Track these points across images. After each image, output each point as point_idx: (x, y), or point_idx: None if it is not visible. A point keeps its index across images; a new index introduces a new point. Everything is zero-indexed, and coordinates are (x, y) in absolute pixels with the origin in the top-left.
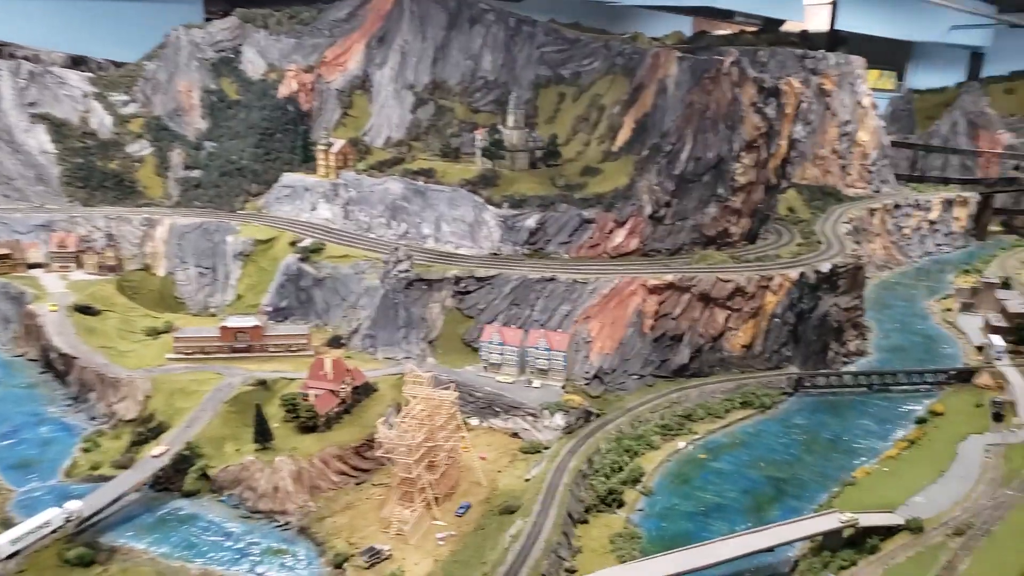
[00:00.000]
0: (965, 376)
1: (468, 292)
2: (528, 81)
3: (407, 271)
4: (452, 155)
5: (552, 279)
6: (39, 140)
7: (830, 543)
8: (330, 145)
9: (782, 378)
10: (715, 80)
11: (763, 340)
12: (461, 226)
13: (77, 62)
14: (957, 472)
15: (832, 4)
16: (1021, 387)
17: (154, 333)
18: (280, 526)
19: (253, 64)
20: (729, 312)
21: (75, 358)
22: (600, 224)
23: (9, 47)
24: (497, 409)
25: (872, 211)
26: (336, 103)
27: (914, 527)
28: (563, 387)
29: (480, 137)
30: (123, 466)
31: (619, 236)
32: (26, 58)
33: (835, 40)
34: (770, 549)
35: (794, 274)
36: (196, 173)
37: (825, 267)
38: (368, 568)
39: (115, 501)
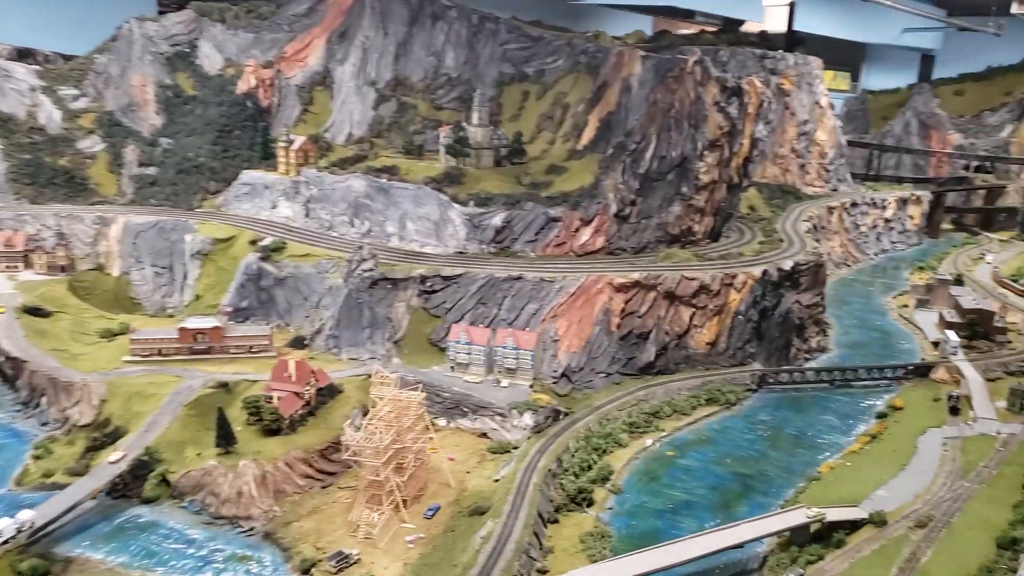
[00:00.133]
0: (922, 371)
1: (434, 291)
2: (491, 78)
3: (371, 270)
4: (416, 152)
5: (519, 278)
6: None
7: (797, 538)
8: (291, 142)
9: (746, 375)
10: (679, 79)
11: (727, 337)
12: (426, 224)
13: (23, 55)
14: (917, 465)
15: (790, 5)
16: (976, 381)
17: (109, 335)
18: (244, 532)
19: (210, 59)
20: (694, 310)
21: (24, 361)
22: (566, 222)
23: None
24: (465, 409)
25: (830, 209)
26: (296, 99)
27: (878, 521)
28: (531, 386)
29: (444, 134)
30: (78, 473)
31: (585, 234)
32: None
33: (793, 41)
34: (740, 546)
35: (757, 272)
36: (151, 170)
37: (787, 265)
38: (336, 573)
39: (70, 510)
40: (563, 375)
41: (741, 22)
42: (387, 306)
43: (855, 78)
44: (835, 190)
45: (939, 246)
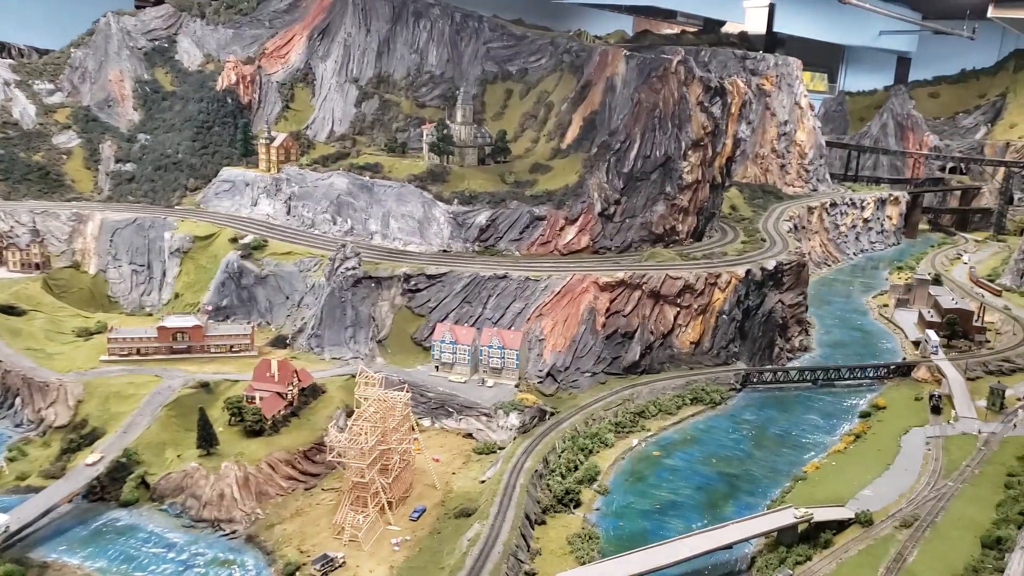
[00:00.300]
0: (904, 370)
1: (418, 290)
2: (475, 77)
3: (355, 268)
4: (399, 150)
5: (504, 276)
6: None
7: (785, 538)
8: (272, 139)
9: (730, 374)
10: (663, 79)
11: (711, 337)
12: (410, 222)
13: None
14: (901, 465)
15: (770, 7)
16: (956, 381)
17: (85, 334)
18: (226, 535)
19: (189, 54)
20: (679, 309)
21: None
22: (551, 221)
23: None
24: (450, 409)
25: (811, 209)
26: (277, 96)
27: (864, 520)
28: (517, 386)
29: (428, 132)
30: (53, 476)
31: (570, 233)
32: None
33: (773, 42)
34: (728, 547)
35: (741, 271)
36: (129, 166)
37: (770, 264)
38: None
39: (45, 513)
40: (549, 374)
41: (722, 23)
42: (370, 305)
43: (833, 79)
44: (815, 190)
45: (917, 246)
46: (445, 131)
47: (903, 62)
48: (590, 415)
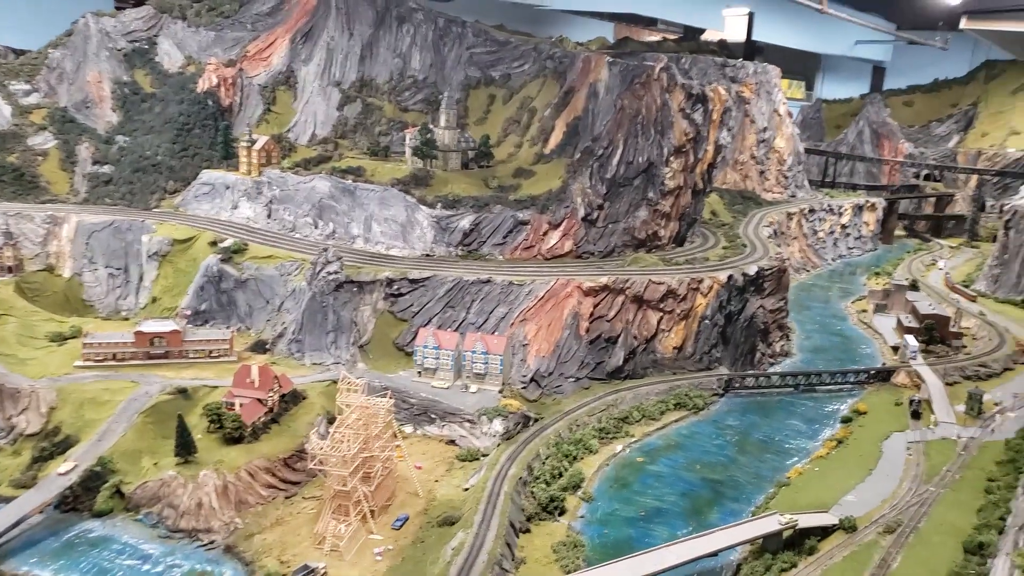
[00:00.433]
0: (884, 375)
1: (401, 294)
2: (458, 81)
3: (336, 272)
4: (381, 154)
5: (488, 281)
6: None
7: (770, 545)
8: (253, 142)
9: (713, 379)
10: (645, 85)
11: (694, 342)
12: (392, 226)
13: None
14: (883, 470)
15: (749, 15)
16: (935, 386)
17: (59, 339)
18: (204, 546)
19: (170, 56)
20: (662, 314)
21: None
22: (534, 226)
23: None
24: (432, 416)
25: (790, 215)
26: (259, 99)
27: (848, 526)
28: (500, 391)
29: (411, 136)
30: (24, 485)
31: (553, 238)
32: None
33: (752, 50)
34: (714, 554)
35: (723, 276)
36: (106, 168)
37: (752, 270)
38: None
39: (16, 524)
40: (532, 380)
41: (702, 30)
42: (352, 309)
43: (810, 87)
44: (793, 196)
45: (893, 252)
46: (428, 135)
47: (878, 71)
48: (574, 421)
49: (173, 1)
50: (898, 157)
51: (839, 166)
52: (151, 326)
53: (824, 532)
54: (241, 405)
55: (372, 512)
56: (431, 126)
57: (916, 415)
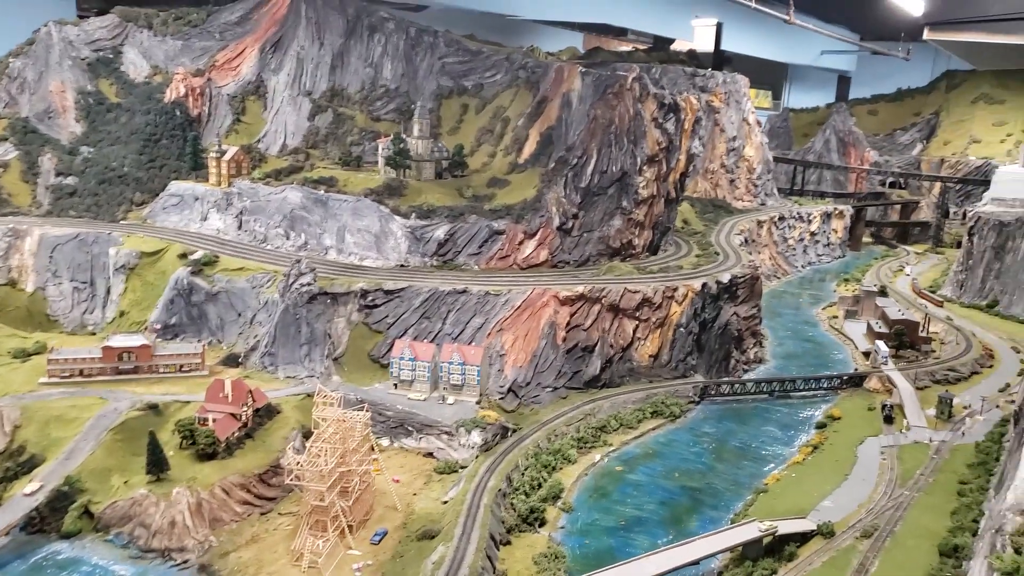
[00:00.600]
0: (856, 381)
1: (375, 305)
2: (430, 91)
3: (310, 284)
4: (354, 164)
5: (464, 291)
6: None
7: (751, 552)
8: (222, 152)
9: (688, 387)
10: (618, 95)
11: (669, 349)
12: (366, 237)
13: None
14: (858, 475)
15: (717, 26)
16: (907, 391)
17: (23, 355)
18: (177, 565)
19: (135, 66)
20: (637, 322)
21: None
22: (510, 235)
23: None
24: (409, 428)
25: (760, 223)
26: (228, 109)
27: (826, 532)
28: (478, 402)
29: (384, 146)
30: None
31: (529, 247)
32: None
33: (720, 60)
34: (695, 562)
35: (697, 284)
36: (70, 180)
37: (725, 277)
38: None
39: None
40: (510, 390)
41: (671, 41)
42: (326, 322)
43: (777, 96)
44: (763, 204)
45: (861, 258)
46: (402, 145)
47: (843, 81)
48: (552, 431)
49: (138, 10)
50: (864, 165)
51: (807, 174)
52: (119, 341)
53: (803, 538)
54: (214, 420)
55: (350, 527)
56: (404, 136)
57: (889, 420)
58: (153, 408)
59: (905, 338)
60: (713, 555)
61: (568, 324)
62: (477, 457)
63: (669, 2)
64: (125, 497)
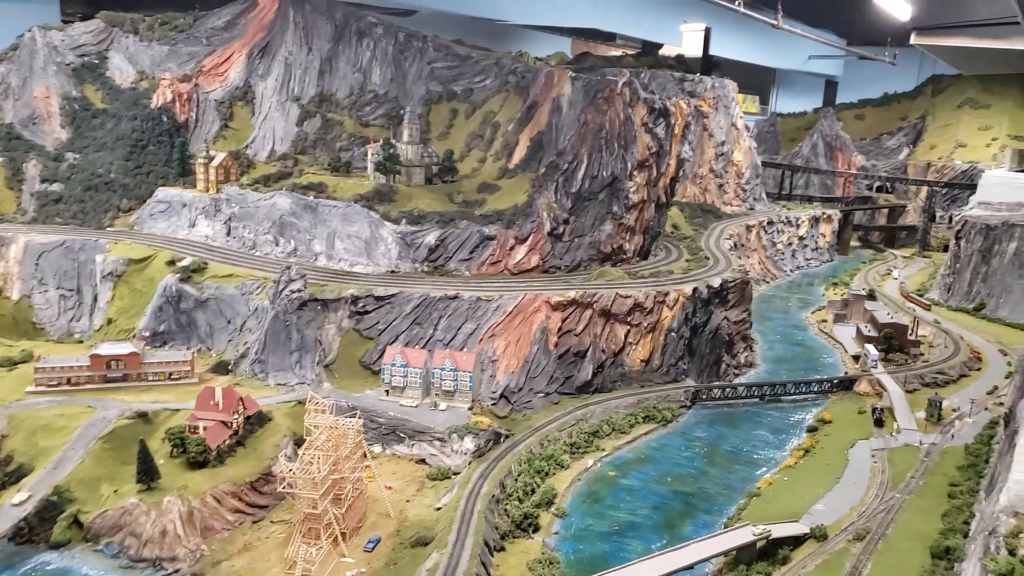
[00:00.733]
0: (847, 384)
1: (367, 312)
2: (419, 96)
3: (300, 291)
4: (343, 170)
5: (456, 297)
6: None
7: (744, 556)
8: (211, 158)
9: (680, 391)
10: (609, 100)
11: (661, 354)
12: (356, 243)
13: None
14: (850, 478)
15: (706, 31)
16: (896, 394)
17: (9, 364)
18: (169, 575)
19: (121, 71)
20: (629, 327)
21: None
22: (501, 241)
23: None
24: (402, 435)
25: (749, 228)
26: (215, 114)
27: (819, 535)
28: (470, 408)
29: (373, 151)
30: None
31: (520, 253)
32: None
33: (709, 65)
34: (690, 567)
35: (688, 289)
36: (56, 187)
37: (716, 282)
38: None
39: None
40: (502, 396)
41: (659, 45)
42: (316, 328)
43: (764, 101)
44: (752, 209)
45: (849, 263)
46: (391, 150)
47: (831, 85)
48: (545, 436)
49: (124, 15)
50: (851, 169)
51: (795, 179)
52: (107, 348)
53: (796, 542)
54: (205, 428)
55: (343, 535)
56: (394, 141)
57: (879, 423)
58: (143, 416)
59: (894, 341)
60: (707, 559)
61: (560, 329)
62: (470, 463)
63: (658, 7)
64: (115, 506)
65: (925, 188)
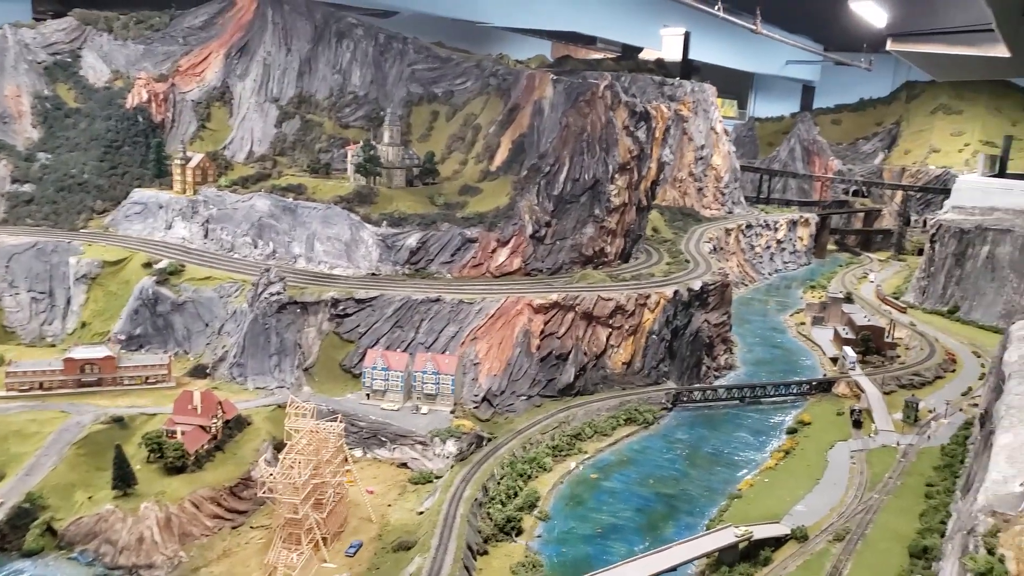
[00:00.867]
0: (825, 386)
1: (347, 315)
2: (400, 98)
3: (279, 293)
4: (322, 171)
5: (437, 299)
6: None
7: (727, 558)
8: (187, 159)
9: (661, 393)
10: (590, 103)
11: (642, 357)
12: (336, 245)
13: None
14: (830, 479)
15: (685, 35)
16: (874, 395)
17: None
18: None
19: (95, 70)
20: (611, 330)
21: None
22: (483, 243)
23: None
24: (383, 439)
25: (728, 231)
26: (192, 115)
27: (800, 536)
28: (452, 412)
29: (353, 153)
30: None
31: (502, 255)
32: None
33: (688, 69)
34: (673, 569)
35: (669, 292)
36: (27, 187)
37: (696, 285)
38: None
39: None
40: (484, 399)
41: (639, 49)
42: (296, 331)
43: (743, 106)
44: (731, 212)
45: (826, 266)
46: (372, 152)
47: (808, 90)
48: (527, 439)
49: (98, 13)
50: (828, 174)
51: (772, 182)
52: (82, 352)
53: (777, 542)
54: (183, 433)
55: (325, 540)
56: (374, 142)
57: (857, 424)
58: (118, 421)
59: (871, 344)
60: (690, 561)
61: (542, 332)
62: (452, 467)
63: (638, 11)
64: (90, 513)
65: (900, 192)
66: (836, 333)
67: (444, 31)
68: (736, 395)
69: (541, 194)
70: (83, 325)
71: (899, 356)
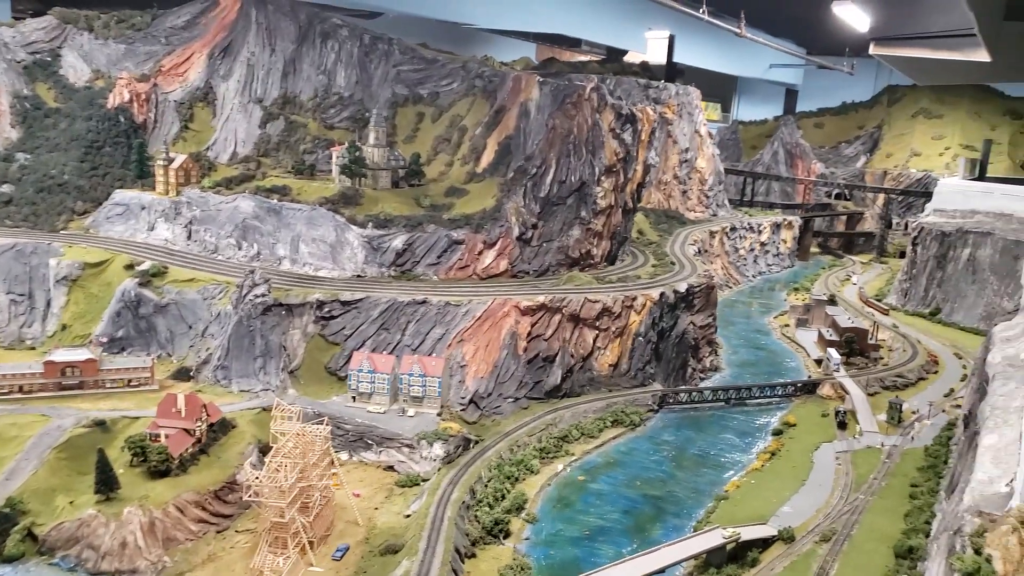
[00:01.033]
0: (810, 388)
1: (332, 317)
2: (385, 99)
3: (264, 295)
4: (307, 172)
5: (424, 301)
6: None
7: (714, 559)
8: (170, 160)
9: (647, 395)
10: (577, 105)
11: (629, 359)
12: (321, 247)
13: None
14: (815, 480)
15: (670, 38)
16: (858, 397)
17: None
18: None
19: (75, 69)
20: (597, 332)
21: None
22: (469, 245)
23: None
24: (369, 442)
25: (712, 233)
26: (175, 115)
27: (786, 537)
28: (439, 414)
29: (338, 154)
30: None
31: (488, 257)
32: None
33: (673, 72)
34: (661, 571)
35: (655, 294)
36: (6, 188)
37: (682, 287)
38: None
39: None
40: (471, 401)
41: (624, 52)
42: (281, 334)
43: (726, 109)
44: (715, 215)
45: (809, 268)
46: (357, 153)
47: (791, 94)
48: (514, 442)
49: (78, 12)
50: (811, 177)
51: (756, 185)
52: (63, 355)
53: (765, 544)
54: (167, 436)
55: (311, 543)
56: (359, 144)
57: (842, 425)
58: (100, 425)
59: (855, 345)
60: (678, 563)
61: (529, 334)
62: (439, 469)
63: (623, 14)
64: (72, 518)
65: (882, 196)
66: (820, 335)
67: (429, 32)
68: (722, 397)
69: (527, 196)
70: (63, 328)
71: (882, 358)
